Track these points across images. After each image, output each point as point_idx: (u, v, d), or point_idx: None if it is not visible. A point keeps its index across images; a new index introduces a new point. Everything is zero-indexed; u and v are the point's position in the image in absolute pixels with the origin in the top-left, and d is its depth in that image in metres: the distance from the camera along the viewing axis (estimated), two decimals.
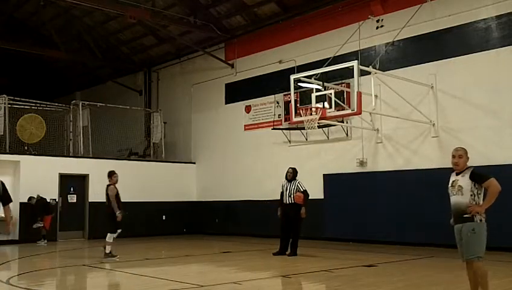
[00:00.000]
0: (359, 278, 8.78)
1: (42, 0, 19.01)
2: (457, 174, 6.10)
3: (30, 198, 15.92)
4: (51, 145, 18.29)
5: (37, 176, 16.49)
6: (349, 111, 13.32)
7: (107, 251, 11.45)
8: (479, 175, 5.89)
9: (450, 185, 6.13)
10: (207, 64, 20.14)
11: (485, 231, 5.90)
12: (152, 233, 18.15)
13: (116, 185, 11.55)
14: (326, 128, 15.57)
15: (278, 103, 17.49)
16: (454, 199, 6.06)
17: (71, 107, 19.04)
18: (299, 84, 13.74)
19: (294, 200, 11.71)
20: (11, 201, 7.29)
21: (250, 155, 18.37)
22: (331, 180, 15.73)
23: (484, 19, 13.03)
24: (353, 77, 11.95)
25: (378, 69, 13.31)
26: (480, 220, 5.89)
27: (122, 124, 20.10)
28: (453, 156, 6.13)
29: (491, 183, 5.83)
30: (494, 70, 12.77)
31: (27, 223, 15.83)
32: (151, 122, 21.10)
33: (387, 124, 14.54)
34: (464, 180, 5.92)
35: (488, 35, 12.99)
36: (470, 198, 5.88)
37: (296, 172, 12.10)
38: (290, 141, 17.09)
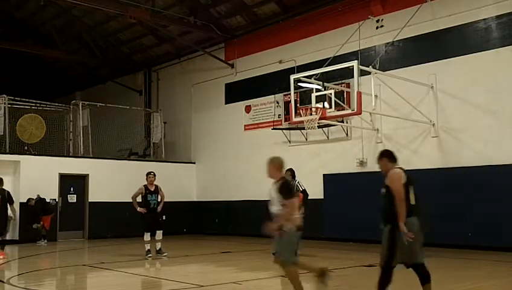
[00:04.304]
0: (359, 278, 8.78)
1: (42, 0, 19.02)
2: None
3: (29, 199, 15.92)
4: (51, 145, 18.30)
5: (37, 176, 16.49)
6: (349, 111, 13.32)
7: (146, 249, 11.79)
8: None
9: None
10: (207, 64, 20.14)
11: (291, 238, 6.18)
12: (152, 233, 18.10)
13: (151, 186, 12.03)
14: (326, 128, 15.56)
15: (278, 103, 17.49)
16: None
17: (71, 107, 19.05)
18: (299, 84, 13.74)
19: None
20: None
21: (250, 155, 18.34)
22: (331, 180, 15.72)
23: (484, 19, 13.02)
24: (353, 77, 11.96)
25: (378, 69, 13.30)
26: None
27: (122, 124, 20.12)
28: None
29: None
30: (494, 70, 12.76)
31: (27, 223, 15.84)
32: (151, 122, 21.10)
33: (387, 124, 14.54)
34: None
35: (488, 35, 12.99)
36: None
37: (294, 172, 12.07)
38: (290, 141, 17.09)
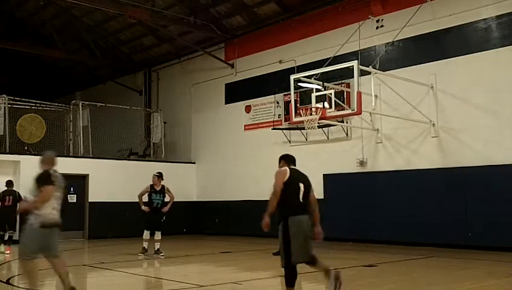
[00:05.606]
0: (359, 278, 8.78)
1: (42, 0, 19.01)
2: None
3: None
4: (51, 145, 18.24)
5: None
6: (349, 111, 13.32)
7: (142, 246, 11.99)
8: None
9: None
10: (207, 64, 20.14)
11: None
12: (152, 233, 18.12)
13: (155, 185, 12.18)
14: (326, 128, 15.56)
15: (278, 103, 17.49)
16: None
17: (71, 107, 19.06)
18: (299, 84, 13.75)
19: None
20: None
21: (250, 155, 18.36)
22: (331, 180, 15.71)
23: (484, 19, 13.03)
24: (353, 77, 11.96)
25: (378, 69, 13.30)
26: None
27: (122, 124, 20.11)
28: None
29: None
30: (494, 70, 12.76)
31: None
32: (151, 122, 21.10)
33: (387, 124, 14.54)
34: None
35: (488, 35, 12.99)
36: None
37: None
38: (290, 141, 17.08)
